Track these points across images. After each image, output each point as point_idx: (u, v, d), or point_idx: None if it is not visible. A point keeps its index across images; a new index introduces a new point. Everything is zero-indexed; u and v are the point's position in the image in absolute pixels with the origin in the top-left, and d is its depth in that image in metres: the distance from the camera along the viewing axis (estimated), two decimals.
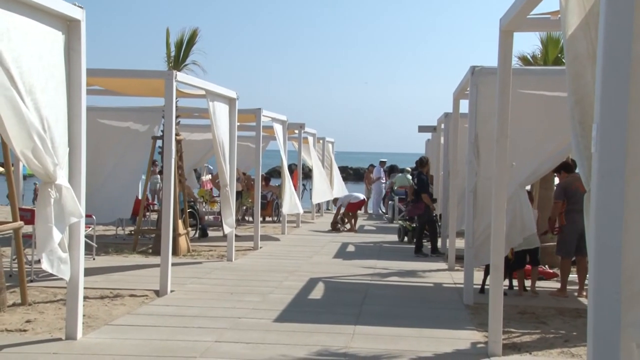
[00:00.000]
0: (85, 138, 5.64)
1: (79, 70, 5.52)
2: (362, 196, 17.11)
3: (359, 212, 17.35)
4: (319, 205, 22.06)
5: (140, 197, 12.58)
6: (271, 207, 17.85)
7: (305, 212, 21.80)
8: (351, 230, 17.11)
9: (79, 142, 5.59)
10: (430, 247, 12.01)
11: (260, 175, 13.20)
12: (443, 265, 10.82)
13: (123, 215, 12.97)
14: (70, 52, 5.48)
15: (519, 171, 7.46)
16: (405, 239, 13.68)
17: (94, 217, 10.25)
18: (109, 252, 11.04)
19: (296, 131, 17.56)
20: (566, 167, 8.43)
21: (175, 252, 10.80)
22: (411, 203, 13.41)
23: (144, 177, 13.51)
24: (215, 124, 9.71)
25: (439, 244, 12.62)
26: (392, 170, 20.67)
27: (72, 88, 5.51)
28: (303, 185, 22.82)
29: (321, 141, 21.45)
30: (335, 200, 19.93)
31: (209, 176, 18.26)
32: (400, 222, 13.67)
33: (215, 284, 8.55)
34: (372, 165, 23.36)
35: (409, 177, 19.97)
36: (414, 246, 12.92)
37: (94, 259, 10.19)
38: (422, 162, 12.41)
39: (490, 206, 5.95)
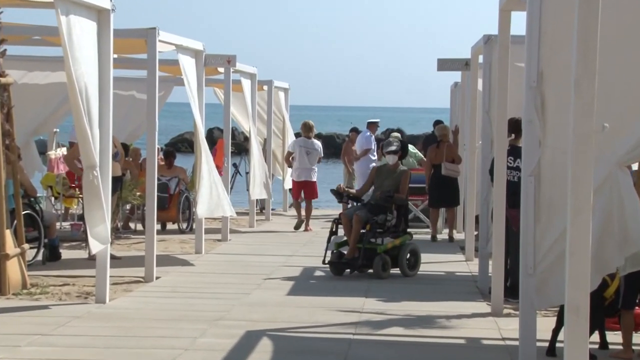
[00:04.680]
0: None
1: None
2: (315, 176, 18.54)
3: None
4: (260, 202, 21.99)
5: None
6: (176, 205, 17.74)
7: (237, 213, 21.75)
8: (301, 226, 18.39)
9: None
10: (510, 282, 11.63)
11: (156, 148, 13.03)
12: (482, 307, 10.86)
13: None
14: None
15: (616, 138, 7.47)
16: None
17: None
18: None
19: (221, 69, 17.43)
20: None
21: None
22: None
23: None
24: (72, 55, 9.55)
25: (472, 263, 12.70)
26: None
27: None
28: (234, 166, 22.77)
29: (266, 87, 21.36)
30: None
31: (62, 150, 18.03)
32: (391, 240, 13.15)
33: (74, 346, 8.47)
34: (354, 130, 23.25)
35: (415, 151, 20.02)
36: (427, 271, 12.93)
37: None
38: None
39: (564, 201, 5.94)
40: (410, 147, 20.14)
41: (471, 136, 14.96)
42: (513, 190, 10.16)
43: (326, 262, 13.09)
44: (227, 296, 11.25)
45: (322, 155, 19.34)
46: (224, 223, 16.82)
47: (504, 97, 10.56)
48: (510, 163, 11.11)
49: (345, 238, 13.21)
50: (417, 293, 11.83)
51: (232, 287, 11.93)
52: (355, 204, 13.71)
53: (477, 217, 13.76)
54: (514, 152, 10.94)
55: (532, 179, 7.78)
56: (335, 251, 13.14)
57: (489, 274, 11.35)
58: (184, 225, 17.97)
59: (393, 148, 13.69)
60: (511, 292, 10.67)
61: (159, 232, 14.94)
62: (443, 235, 18.00)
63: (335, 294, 11.53)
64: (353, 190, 14.50)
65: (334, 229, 13.39)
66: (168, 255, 14.59)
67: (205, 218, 15.22)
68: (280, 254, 15.28)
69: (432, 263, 14.54)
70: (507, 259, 10.96)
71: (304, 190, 18.90)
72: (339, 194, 13.84)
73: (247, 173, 20.77)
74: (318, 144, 19.10)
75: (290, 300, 11.17)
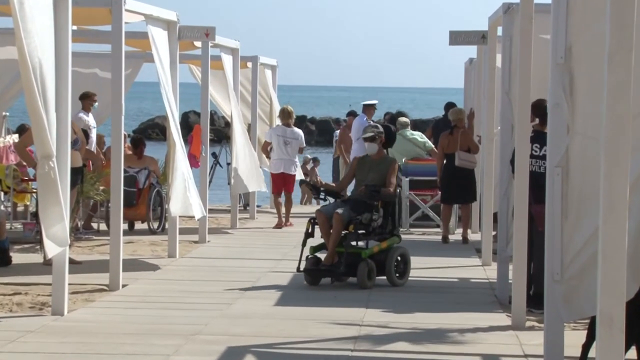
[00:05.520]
0: None
1: None
2: (295, 168, 19.22)
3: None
4: (244, 197, 22.01)
5: None
6: (146, 201, 17.74)
7: (214, 211, 21.73)
8: (278, 225, 19.25)
9: None
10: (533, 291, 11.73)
11: (122, 135, 13.01)
12: (502, 319, 10.92)
13: None
14: None
15: None
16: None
17: None
18: None
19: (197, 43, 17.42)
20: None
21: None
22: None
23: None
24: (24, 27, 9.52)
25: (490, 268, 12.70)
26: (392, 124, 20.63)
27: None
28: (213, 155, 22.75)
29: (250, 64, 21.37)
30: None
31: (13, 138, 18.00)
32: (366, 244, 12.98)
33: None
34: (352, 114, 23.37)
35: (417, 136, 20.06)
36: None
37: None
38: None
39: (596, 195, 5.95)
40: (418, 135, 20.21)
41: (488, 121, 14.98)
42: (538, 183, 10.17)
43: (301, 269, 12.86)
44: (206, 307, 11.24)
45: (304, 145, 19.78)
46: (201, 222, 16.79)
47: (526, 75, 10.57)
48: (536, 151, 11.12)
49: (322, 241, 13.00)
50: (425, 303, 11.85)
51: (211, 297, 11.93)
52: (334, 200, 13.46)
53: (495, 215, 13.77)
54: (540, 138, 10.94)
55: (559, 171, 7.79)
56: (310, 256, 12.94)
57: (509, 281, 11.36)
58: (155, 225, 17.94)
59: (369, 134, 13.41)
60: (535, 301, 10.69)
61: (126, 233, 14.91)
62: (456, 235, 18.02)
63: (331, 304, 11.55)
64: (332, 184, 14.29)
65: (309, 230, 13.09)
66: (136, 260, 14.58)
67: (180, 216, 15.21)
68: (268, 257, 15.29)
69: (443, 268, 14.58)
70: (531, 263, 10.98)
71: (285, 184, 19.39)
72: (315, 189, 13.64)
73: (229, 164, 20.75)
74: (298, 132, 19.45)
75: (279, 311, 11.18)
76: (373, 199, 12.92)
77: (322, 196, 13.63)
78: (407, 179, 18.90)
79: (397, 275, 12.98)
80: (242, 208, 21.72)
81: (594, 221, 6.81)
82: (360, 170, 13.37)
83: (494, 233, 14.36)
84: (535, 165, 11.06)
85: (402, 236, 17.85)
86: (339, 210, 12.75)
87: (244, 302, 11.62)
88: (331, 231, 12.80)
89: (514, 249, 10.66)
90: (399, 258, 13.04)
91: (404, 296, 12.29)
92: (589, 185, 7.45)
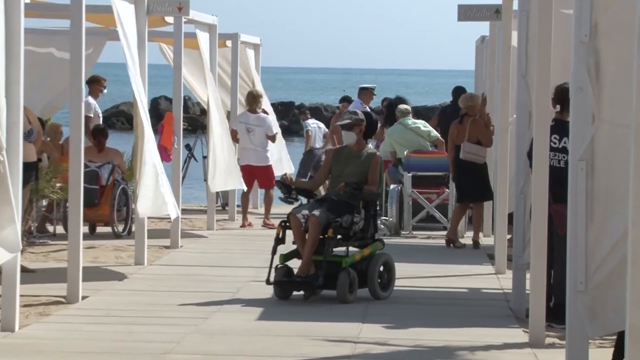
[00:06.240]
0: None
1: None
2: (268, 159, 19.46)
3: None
4: (222, 195, 22.00)
5: None
6: (110, 200, 17.74)
7: (188, 211, 21.72)
8: (245, 224, 19.59)
9: None
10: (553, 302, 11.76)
11: (82, 124, 13.00)
12: (518, 335, 10.95)
13: None
14: None
15: None
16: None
17: None
18: None
19: (169, 19, 17.42)
20: None
21: None
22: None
23: None
24: None
25: (504, 276, 12.74)
26: (390, 112, 20.59)
27: None
28: (187, 148, 22.74)
29: (230, 43, 21.38)
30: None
31: None
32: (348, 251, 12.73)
33: None
34: (346, 101, 23.40)
35: (420, 124, 20.05)
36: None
37: None
38: None
39: (626, 193, 5.95)
40: (421, 123, 20.21)
41: (503, 108, 14.99)
42: (558, 179, 10.19)
43: (271, 281, 12.59)
44: (178, 322, 11.25)
45: (273, 132, 19.63)
46: (173, 225, 16.80)
47: (546, 55, 10.58)
48: (555, 143, 11.14)
49: (294, 247, 12.74)
50: (430, 316, 11.88)
51: (185, 310, 11.95)
52: (307, 200, 13.23)
53: (510, 216, 13.80)
54: (560, 127, 10.98)
55: (583, 165, 7.79)
56: (281, 265, 12.64)
57: (527, 291, 11.38)
58: (120, 228, 17.93)
59: (345, 121, 13.17)
60: (556, 314, 10.71)
61: (86, 237, 14.91)
62: (465, 239, 18.01)
63: (322, 319, 11.57)
64: (305, 181, 14.05)
65: (280, 236, 12.76)
66: (99, 268, 14.59)
67: (149, 218, 15.18)
68: (249, 265, 15.27)
69: (450, 277, 14.59)
70: (551, 270, 11.00)
71: (257, 178, 19.60)
72: (286, 187, 13.30)
73: (205, 158, 20.75)
74: (264, 118, 19.58)
75: (263, 327, 11.19)
76: (354, 198, 12.67)
77: (293, 196, 13.37)
78: (410, 175, 18.86)
79: (381, 286, 12.80)
80: (220, 208, 21.71)
81: (623, 222, 6.82)
82: (337, 163, 13.15)
83: (508, 237, 14.39)
84: (554, 159, 11.07)
85: (405, 240, 17.98)
86: (316, 212, 12.43)
87: (221, 316, 11.63)
88: (306, 236, 12.58)
89: (531, 255, 10.68)
90: (382, 267, 12.83)
91: (406, 309, 12.31)
92: (617, 181, 7.46)
